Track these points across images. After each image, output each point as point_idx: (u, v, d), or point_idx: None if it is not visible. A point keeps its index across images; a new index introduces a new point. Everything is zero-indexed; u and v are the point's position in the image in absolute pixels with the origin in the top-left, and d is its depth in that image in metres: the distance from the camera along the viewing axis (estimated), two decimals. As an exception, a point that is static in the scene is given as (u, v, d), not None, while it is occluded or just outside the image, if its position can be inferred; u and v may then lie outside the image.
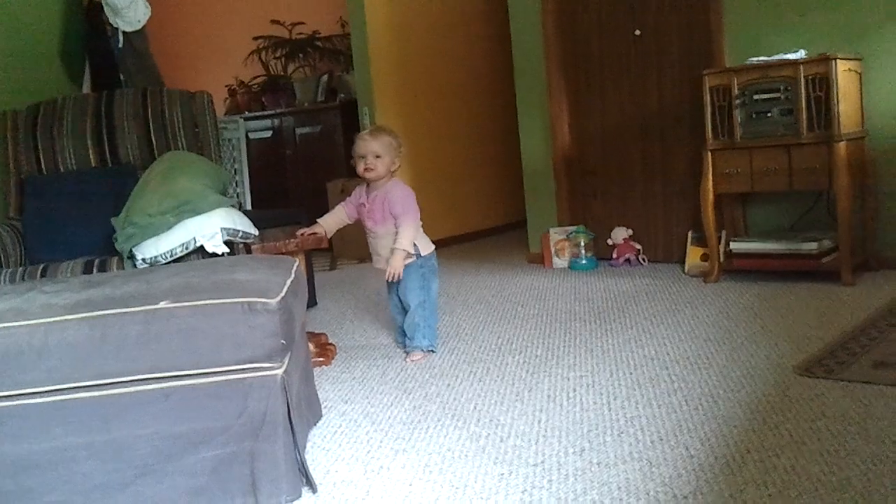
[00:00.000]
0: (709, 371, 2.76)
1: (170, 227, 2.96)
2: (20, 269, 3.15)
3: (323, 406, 2.71)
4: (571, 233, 4.95)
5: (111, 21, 4.49)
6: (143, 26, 4.57)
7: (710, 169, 4.08)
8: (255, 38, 7.34)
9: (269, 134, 6.99)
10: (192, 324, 1.96)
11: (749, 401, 2.44)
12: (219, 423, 1.98)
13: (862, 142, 3.97)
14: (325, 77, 6.92)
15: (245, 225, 3.05)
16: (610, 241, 4.90)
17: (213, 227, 2.95)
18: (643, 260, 4.82)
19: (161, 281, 2.16)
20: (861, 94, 3.98)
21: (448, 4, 6.56)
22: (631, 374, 2.81)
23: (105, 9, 4.45)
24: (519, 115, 5.28)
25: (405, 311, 3.31)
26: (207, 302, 1.99)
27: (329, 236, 3.34)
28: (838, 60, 3.74)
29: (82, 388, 1.93)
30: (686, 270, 4.48)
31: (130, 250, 3.00)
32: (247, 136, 4.97)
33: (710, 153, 4.07)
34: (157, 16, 4.76)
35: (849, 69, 3.85)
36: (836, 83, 3.71)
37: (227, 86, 7.52)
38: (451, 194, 6.35)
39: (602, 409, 2.49)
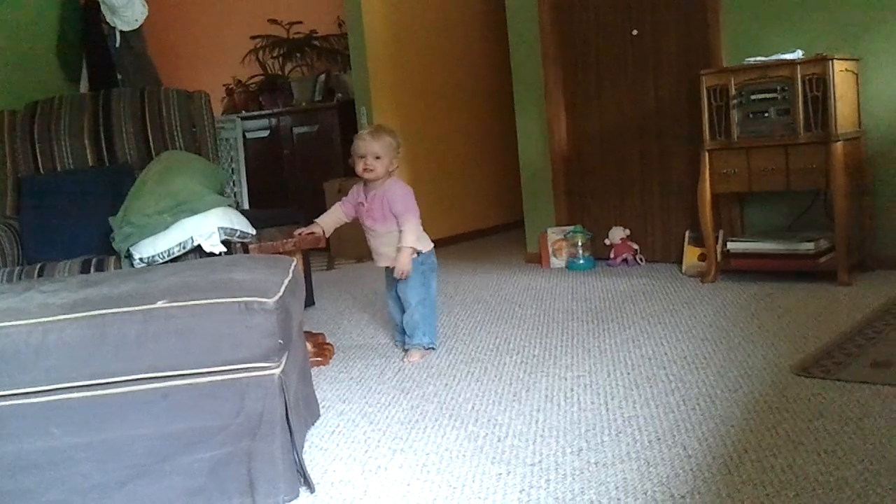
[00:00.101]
0: (706, 371, 2.76)
1: (167, 227, 2.96)
2: (17, 268, 3.15)
3: (321, 406, 2.71)
4: (569, 233, 4.96)
5: (108, 20, 4.49)
6: (141, 25, 4.57)
7: (708, 169, 4.08)
8: (253, 38, 7.34)
9: (266, 133, 6.99)
10: (189, 323, 1.96)
11: (746, 401, 2.45)
12: (216, 422, 1.98)
13: (859, 142, 3.97)
14: (322, 76, 6.92)
15: (242, 224, 3.05)
16: (607, 241, 4.90)
17: (210, 226, 2.94)
18: (640, 260, 4.83)
19: (158, 280, 2.16)
20: (858, 94, 3.98)
21: (445, 4, 6.56)
22: (628, 373, 2.81)
23: (102, 8, 4.45)
24: (517, 115, 5.29)
25: (404, 309, 3.32)
26: (205, 301, 1.99)
27: (327, 236, 3.34)
28: (835, 61, 3.74)
29: (80, 387, 1.92)
30: (683, 270, 4.48)
31: (128, 250, 2.99)
32: (244, 136, 4.97)
33: (707, 153, 4.08)
34: (154, 15, 4.75)
35: (846, 69, 3.85)
36: (833, 83, 3.72)
37: (224, 85, 7.52)
38: (449, 194, 6.35)
39: (599, 409, 2.49)
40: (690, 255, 4.49)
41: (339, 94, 6.69)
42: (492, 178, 6.78)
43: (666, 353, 3.01)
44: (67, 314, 1.95)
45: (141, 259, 2.95)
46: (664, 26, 4.61)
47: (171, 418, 1.96)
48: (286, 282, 2.16)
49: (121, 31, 4.50)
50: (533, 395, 2.68)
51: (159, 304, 1.98)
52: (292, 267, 2.35)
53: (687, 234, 4.54)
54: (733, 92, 3.96)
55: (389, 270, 3.33)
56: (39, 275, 3.03)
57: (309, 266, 4.43)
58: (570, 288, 4.36)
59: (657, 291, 4.07)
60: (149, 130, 3.72)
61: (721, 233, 4.29)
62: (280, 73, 7.37)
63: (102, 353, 1.92)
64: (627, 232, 4.86)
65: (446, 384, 2.88)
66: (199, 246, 2.95)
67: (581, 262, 4.87)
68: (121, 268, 3.00)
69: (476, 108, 6.73)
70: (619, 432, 2.29)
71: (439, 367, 3.09)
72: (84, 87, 4.55)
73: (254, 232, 3.09)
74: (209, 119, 3.78)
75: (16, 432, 1.91)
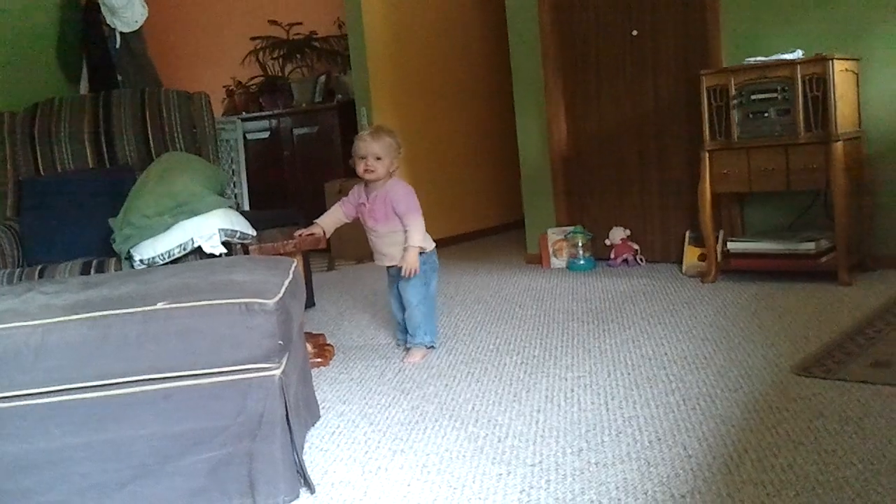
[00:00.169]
0: (706, 371, 2.76)
1: (167, 228, 2.96)
2: (18, 269, 3.15)
3: (321, 407, 2.71)
4: (569, 233, 4.96)
5: (108, 21, 4.48)
6: (141, 27, 4.57)
7: (708, 169, 4.08)
8: (253, 39, 7.34)
9: (266, 135, 6.99)
10: (190, 324, 1.96)
11: (747, 400, 2.45)
12: (217, 423, 1.98)
13: (859, 142, 3.97)
14: (322, 78, 6.92)
15: (243, 226, 3.05)
16: (608, 242, 4.90)
17: (210, 227, 2.95)
18: (641, 260, 4.83)
19: (159, 282, 2.16)
20: (858, 94, 3.98)
21: (445, 4, 6.56)
22: (629, 374, 2.81)
23: (102, 9, 4.45)
24: (516, 115, 5.29)
25: (405, 308, 3.33)
26: (205, 303, 1.99)
27: (327, 236, 3.34)
28: (835, 61, 3.74)
29: (80, 388, 1.93)
30: (684, 270, 4.48)
31: (128, 251, 3.00)
32: (244, 137, 4.97)
33: (707, 153, 4.08)
34: (154, 16, 4.75)
35: (846, 69, 3.85)
36: (833, 83, 3.72)
37: (224, 86, 7.52)
38: (449, 195, 6.36)
39: (600, 409, 2.49)
40: (691, 255, 4.49)
41: (340, 95, 6.70)
42: (492, 178, 6.79)
43: (666, 354, 3.01)
44: (68, 315, 1.96)
45: (141, 260, 2.95)
46: (664, 26, 4.61)
47: (172, 419, 1.96)
48: (286, 283, 2.16)
49: (121, 33, 4.50)
50: (533, 395, 2.68)
51: (160, 305, 1.98)
52: (292, 268, 2.35)
53: (687, 234, 4.54)
54: (733, 92, 3.96)
55: (392, 270, 3.33)
56: (40, 276, 3.04)
57: (309, 267, 4.44)
58: (570, 288, 4.36)
59: (657, 292, 4.07)
60: (149, 132, 3.72)
61: (721, 233, 4.29)
62: (280, 74, 7.37)
63: (103, 354, 1.93)
64: (628, 232, 4.86)
65: (446, 385, 2.88)
66: (200, 247, 2.95)
67: (581, 262, 4.87)
68: (121, 269, 3.00)
69: (476, 109, 6.73)
70: (620, 432, 2.29)
71: (439, 368, 3.09)
72: (84, 88, 4.55)
73: (254, 233, 3.09)
74: (209, 120, 3.78)
75: (16, 433, 1.91)
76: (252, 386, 1.99)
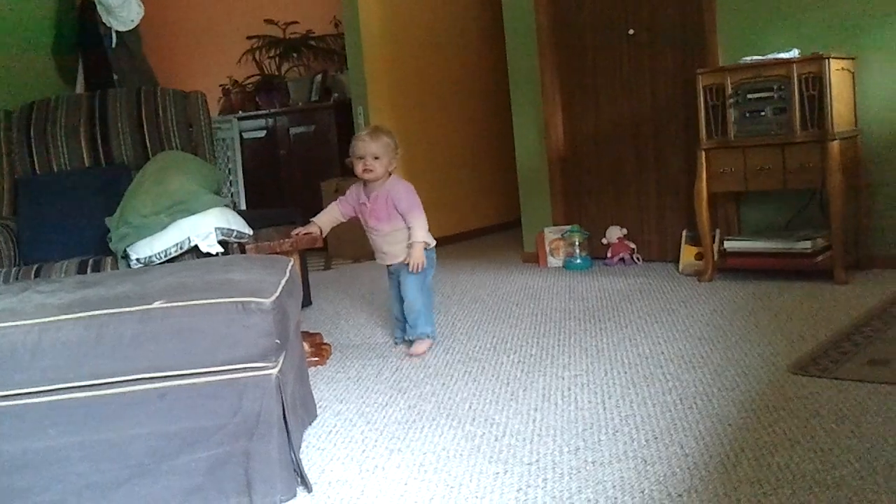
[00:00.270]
0: (703, 370, 2.76)
1: (164, 227, 2.96)
2: (14, 269, 3.15)
3: (318, 406, 2.70)
4: (566, 232, 4.96)
5: (104, 20, 4.48)
6: (137, 26, 4.56)
7: (704, 168, 4.08)
8: (249, 38, 7.33)
9: (263, 134, 6.98)
10: (186, 324, 1.96)
11: (743, 399, 2.45)
12: (213, 422, 1.98)
13: (855, 140, 3.98)
14: (319, 77, 6.91)
15: (239, 225, 3.05)
16: (604, 241, 4.90)
17: (207, 226, 2.94)
18: (637, 259, 4.83)
19: (155, 281, 2.16)
20: (854, 93, 3.99)
21: (442, 4, 6.56)
22: (625, 372, 2.82)
23: (98, 8, 4.45)
24: (513, 115, 5.29)
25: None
26: (202, 302, 1.99)
27: (324, 235, 3.35)
28: (831, 60, 3.75)
29: (77, 388, 1.92)
30: (680, 269, 4.49)
31: (125, 250, 2.99)
32: (241, 136, 4.97)
33: (703, 152, 4.08)
34: (150, 15, 4.75)
35: (842, 68, 3.86)
36: (830, 82, 3.73)
37: (221, 85, 7.51)
38: (446, 194, 6.35)
39: (597, 408, 2.49)
40: (687, 254, 4.49)
41: (336, 94, 6.69)
42: (489, 177, 6.78)
43: (663, 352, 3.01)
44: (64, 315, 1.95)
45: (138, 259, 2.95)
46: (660, 26, 4.62)
47: (168, 418, 1.96)
48: (283, 282, 2.16)
49: (117, 32, 4.50)
50: (530, 394, 2.68)
51: (156, 304, 1.98)
52: (289, 267, 2.35)
53: (684, 233, 4.55)
54: (730, 91, 3.96)
55: (393, 268, 3.36)
56: (36, 275, 3.03)
57: (306, 266, 4.43)
58: (567, 287, 4.36)
59: (654, 290, 4.07)
60: (145, 131, 3.72)
61: (718, 232, 4.30)
62: (276, 73, 7.36)
63: (99, 353, 1.92)
64: (624, 231, 4.87)
65: (444, 384, 2.88)
66: (196, 246, 2.95)
67: (578, 261, 4.88)
68: (118, 268, 3.00)
69: (473, 108, 6.73)
70: (617, 431, 2.29)
71: (437, 367, 3.09)
72: (80, 87, 4.55)
73: (250, 232, 3.09)
74: (206, 119, 3.78)
75: (12, 432, 1.91)
76: (249, 385, 1.99)
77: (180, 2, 7.69)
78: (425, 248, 3.27)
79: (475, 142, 6.74)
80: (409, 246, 3.25)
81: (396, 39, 6.14)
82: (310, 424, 2.54)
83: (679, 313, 3.56)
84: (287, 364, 2.14)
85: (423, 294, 3.32)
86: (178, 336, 1.95)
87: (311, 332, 3.56)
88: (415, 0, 6.32)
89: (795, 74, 3.78)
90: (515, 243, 5.68)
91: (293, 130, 6.82)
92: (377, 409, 2.66)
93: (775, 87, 3.85)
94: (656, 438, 2.21)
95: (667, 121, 4.66)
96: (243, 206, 4.46)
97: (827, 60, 3.73)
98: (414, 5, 6.30)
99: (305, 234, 3.23)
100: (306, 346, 3.16)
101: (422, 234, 3.25)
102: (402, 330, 3.43)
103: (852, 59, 3.96)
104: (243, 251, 3.04)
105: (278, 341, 2.02)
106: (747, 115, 3.94)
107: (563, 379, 2.81)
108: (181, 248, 2.94)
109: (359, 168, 3.23)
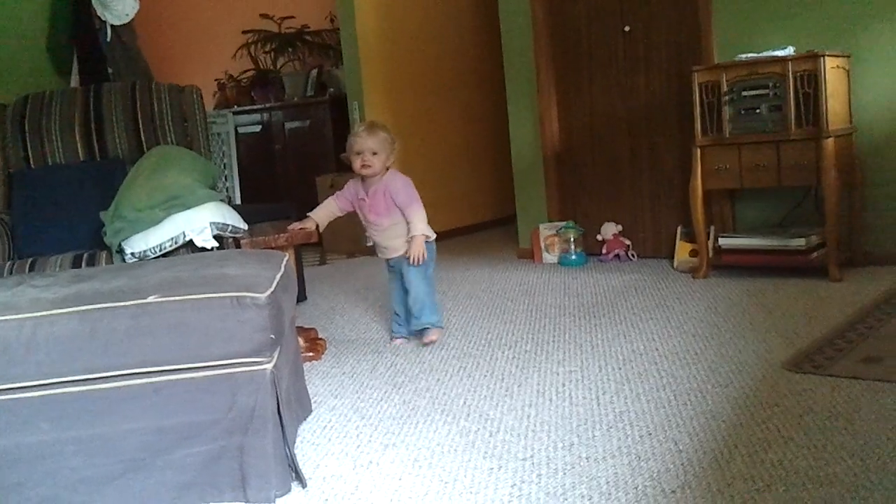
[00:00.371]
0: (697, 366, 2.77)
1: (159, 222, 2.95)
2: (9, 263, 3.13)
3: (312, 401, 2.70)
4: (561, 228, 4.96)
5: (99, 14, 4.47)
6: (132, 20, 4.55)
7: (699, 165, 4.09)
8: (245, 32, 7.32)
9: (258, 128, 6.97)
10: (181, 318, 1.96)
11: (737, 396, 2.46)
12: (208, 417, 1.98)
13: (850, 138, 3.98)
14: (314, 71, 6.90)
15: (234, 219, 3.04)
16: (599, 237, 4.91)
17: (202, 221, 2.94)
18: (632, 255, 4.83)
19: (150, 275, 2.16)
20: (849, 90, 3.99)
21: (438, -1, 6.55)
22: (620, 369, 2.82)
23: (93, 2, 4.43)
24: (509, 111, 5.28)
25: (407, 295, 3.36)
26: (197, 296, 1.99)
27: (321, 230, 3.35)
28: (827, 57, 3.75)
29: (71, 382, 1.92)
30: (675, 266, 4.49)
31: (119, 244, 2.98)
32: (236, 131, 4.96)
33: (699, 149, 4.09)
34: (145, 9, 4.73)
35: (837, 66, 3.86)
36: (825, 80, 3.73)
37: (216, 80, 7.49)
38: (441, 189, 6.34)
39: (591, 404, 2.49)
40: (682, 250, 4.50)
41: (332, 89, 6.68)
42: (484, 173, 6.79)
43: (657, 349, 3.01)
44: (59, 309, 1.95)
45: (132, 254, 2.94)
46: (656, 22, 4.62)
47: (163, 413, 1.96)
48: (278, 277, 2.16)
49: (112, 25, 4.49)
50: (525, 390, 2.68)
51: (151, 299, 1.97)
52: (284, 262, 2.35)
53: (679, 229, 4.55)
54: (725, 88, 3.97)
55: (393, 261, 3.36)
56: (31, 269, 3.02)
57: (301, 261, 4.43)
58: (562, 283, 4.36)
59: (649, 287, 4.07)
60: (140, 125, 3.70)
61: (713, 229, 4.30)
62: (272, 67, 7.35)
63: (93, 347, 1.92)
64: (619, 227, 4.87)
65: (438, 379, 2.88)
66: (191, 241, 2.94)
67: (573, 257, 4.88)
68: (112, 263, 2.99)
69: (468, 103, 6.73)
70: (611, 427, 2.30)
71: (431, 363, 3.09)
72: (74, 81, 4.54)
73: (246, 227, 3.09)
74: (201, 114, 3.77)
75: (5, 427, 1.91)
76: (243, 380, 1.99)
77: (176, -4, 7.67)
78: (426, 241, 3.28)
79: (470, 137, 6.74)
80: (410, 239, 3.26)
81: (392, 35, 6.13)
82: (304, 419, 2.54)
83: (674, 310, 3.57)
84: (282, 359, 2.14)
85: (427, 282, 3.34)
86: (172, 330, 1.95)
87: (306, 327, 3.56)
88: (411, -5, 6.32)
89: (791, 72, 3.79)
90: (510, 239, 5.68)
91: (288, 125, 6.81)
92: (372, 405, 2.67)
93: (770, 84, 3.86)
94: (650, 434, 2.22)
95: (662, 117, 4.66)
96: (238, 201, 4.45)
97: (822, 58, 3.73)
98: (409, 1, 6.29)
99: (301, 228, 3.23)
100: (301, 342, 3.15)
101: (422, 226, 3.26)
102: (400, 325, 3.43)
103: (847, 56, 3.96)
104: (238, 246, 3.03)
105: (273, 336, 2.02)
106: (742, 112, 3.95)
107: (558, 375, 2.81)
108: (176, 243, 2.93)
109: (357, 164, 3.23)
